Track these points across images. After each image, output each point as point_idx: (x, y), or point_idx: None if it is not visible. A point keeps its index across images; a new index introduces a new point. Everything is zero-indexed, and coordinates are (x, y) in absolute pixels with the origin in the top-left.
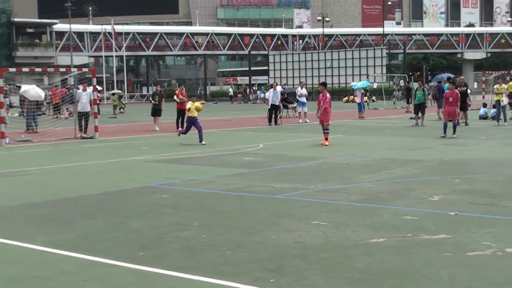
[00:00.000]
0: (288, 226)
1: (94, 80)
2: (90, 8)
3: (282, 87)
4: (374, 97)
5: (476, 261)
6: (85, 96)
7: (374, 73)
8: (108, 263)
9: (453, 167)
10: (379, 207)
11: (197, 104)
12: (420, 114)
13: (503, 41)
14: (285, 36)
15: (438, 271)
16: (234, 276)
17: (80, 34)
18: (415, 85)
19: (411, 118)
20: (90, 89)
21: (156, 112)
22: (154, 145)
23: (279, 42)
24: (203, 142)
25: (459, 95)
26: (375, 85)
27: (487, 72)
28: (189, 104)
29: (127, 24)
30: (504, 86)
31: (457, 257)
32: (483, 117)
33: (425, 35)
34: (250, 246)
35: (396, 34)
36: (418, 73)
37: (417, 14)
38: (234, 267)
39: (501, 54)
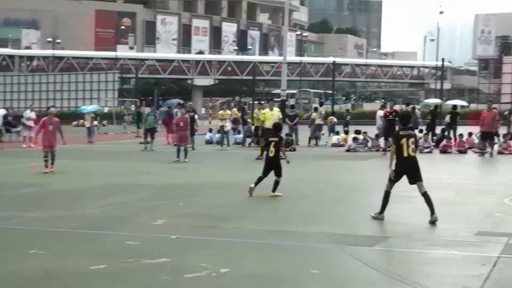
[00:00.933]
0: (3, 257)
1: None
2: None
3: (6, 110)
4: (104, 122)
5: (191, 283)
6: None
7: (106, 97)
8: None
9: (178, 191)
10: (102, 233)
11: None
12: (149, 139)
13: (229, 68)
14: (11, 57)
15: None
16: None
17: None
18: (147, 109)
19: (140, 143)
20: None
21: None
22: None
23: (5, 63)
24: None
25: (189, 120)
26: (106, 109)
27: (214, 98)
28: None
29: None
30: (228, 112)
31: (174, 280)
32: (209, 142)
33: (158, 60)
34: None
35: (129, 59)
36: (151, 97)
37: (150, 39)
38: None
39: (227, 81)
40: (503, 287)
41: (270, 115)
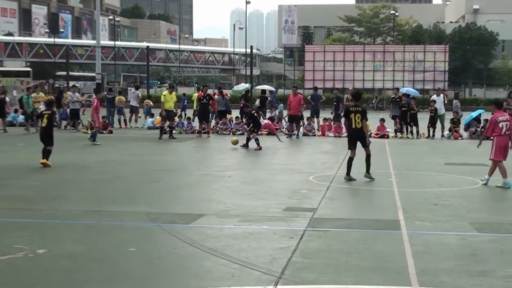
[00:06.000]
0: None
1: None
2: None
3: None
4: None
5: (7, 265)
6: None
7: None
8: None
9: None
10: None
11: None
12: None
13: (41, 51)
14: None
15: None
16: None
17: None
18: None
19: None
20: None
21: None
22: None
23: None
24: None
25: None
26: None
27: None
28: None
29: None
30: (42, 94)
31: None
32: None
33: None
34: None
35: None
36: None
37: None
38: None
39: (40, 64)
40: (308, 257)
41: (170, 98)
